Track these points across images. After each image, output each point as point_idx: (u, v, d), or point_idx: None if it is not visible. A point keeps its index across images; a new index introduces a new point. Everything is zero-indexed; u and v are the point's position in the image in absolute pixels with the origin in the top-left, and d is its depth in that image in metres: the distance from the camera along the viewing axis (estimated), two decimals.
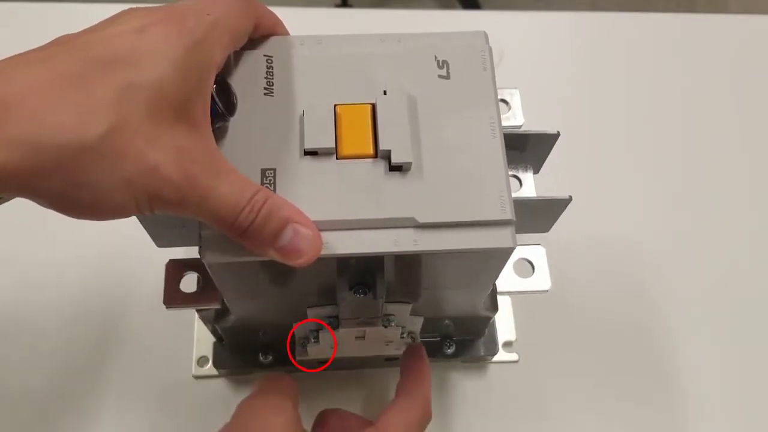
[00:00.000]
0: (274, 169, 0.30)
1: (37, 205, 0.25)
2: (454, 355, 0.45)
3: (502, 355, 0.47)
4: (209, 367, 0.45)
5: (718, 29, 0.63)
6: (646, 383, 0.47)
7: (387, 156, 0.30)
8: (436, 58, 0.33)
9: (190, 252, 0.32)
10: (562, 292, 0.48)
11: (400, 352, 0.43)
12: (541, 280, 0.36)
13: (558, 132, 0.36)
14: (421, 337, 0.41)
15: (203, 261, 0.29)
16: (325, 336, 0.38)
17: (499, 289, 0.36)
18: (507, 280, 0.36)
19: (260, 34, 0.32)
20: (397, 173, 0.30)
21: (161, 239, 0.35)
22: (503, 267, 0.32)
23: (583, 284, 0.49)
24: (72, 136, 0.23)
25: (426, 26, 0.33)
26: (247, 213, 0.27)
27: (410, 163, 0.30)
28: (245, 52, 0.32)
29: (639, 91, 0.59)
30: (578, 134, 0.47)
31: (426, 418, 0.37)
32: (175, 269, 0.35)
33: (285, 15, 0.33)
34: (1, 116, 0.23)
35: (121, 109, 0.24)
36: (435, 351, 0.45)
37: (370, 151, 0.31)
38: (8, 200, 0.27)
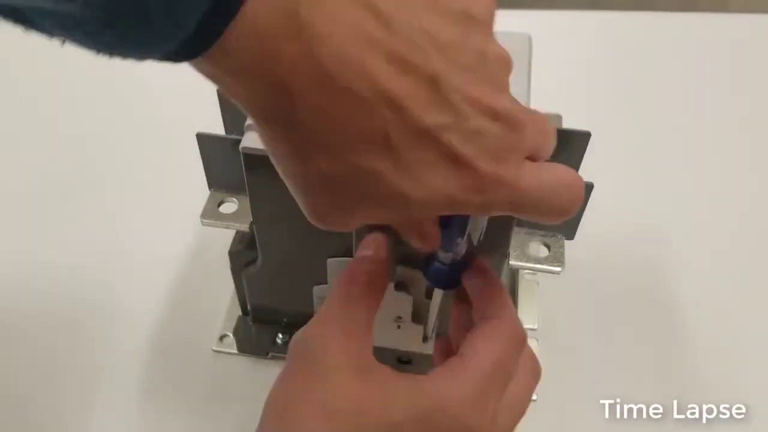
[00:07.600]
0: None
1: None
2: None
3: None
4: (229, 344, 0.47)
5: (718, 28, 0.64)
6: None
7: None
8: None
9: None
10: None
11: (412, 349, 0.43)
12: (555, 261, 0.36)
13: (589, 132, 0.38)
14: None
15: (240, 150, 0.33)
16: None
17: (512, 262, 0.36)
18: (521, 254, 0.37)
19: None
20: None
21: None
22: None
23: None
24: None
25: None
26: None
27: None
28: None
29: (639, 90, 0.60)
30: None
31: (518, 339, 0.30)
32: (217, 195, 0.38)
33: None
34: None
35: None
36: None
37: None
38: None
